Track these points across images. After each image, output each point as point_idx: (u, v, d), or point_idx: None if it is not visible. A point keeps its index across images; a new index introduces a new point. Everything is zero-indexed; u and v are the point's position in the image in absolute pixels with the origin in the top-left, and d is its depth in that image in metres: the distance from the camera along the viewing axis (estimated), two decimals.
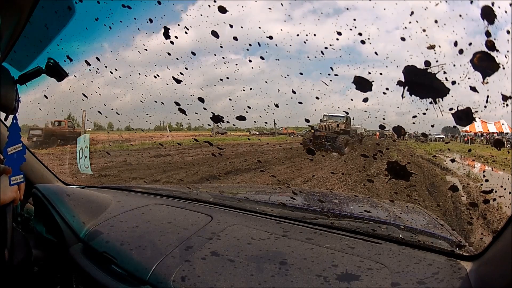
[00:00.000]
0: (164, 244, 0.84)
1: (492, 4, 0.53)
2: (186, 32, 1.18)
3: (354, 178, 5.08)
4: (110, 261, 0.85)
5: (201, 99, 0.97)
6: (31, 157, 1.35)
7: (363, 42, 0.87)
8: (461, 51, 0.59)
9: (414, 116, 0.75)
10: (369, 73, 0.70)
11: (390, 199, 1.64)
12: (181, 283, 0.69)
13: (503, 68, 0.52)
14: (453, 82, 0.58)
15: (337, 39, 1.02)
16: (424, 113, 0.68)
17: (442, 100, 0.57)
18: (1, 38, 0.93)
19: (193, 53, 1.17)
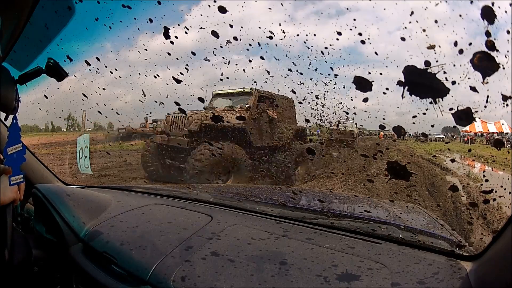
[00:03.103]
0: (164, 244, 0.84)
1: (492, 4, 0.53)
2: (186, 32, 1.18)
3: (354, 178, 5.07)
4: (110, 261, 0.85)
5: (201, 99, 0.97)
6: (31, 157, 1.35)
7: (363, 42, 0.87)
8: (461, 51, 0.59)
9: (414, 116, 0.75)
10: (369, 73, 0.70)
11: (390, 199, 1.64)
12: (181, 283, 0.69)
13: (503, 68, 0.53)
14: (453, 82, 0.58)
15: (337, 39, 1.02)
16: (424, 113, 0.69)
17: (442, 100, 0.57)
18: (1, 38, 0.93)
19: (193, 53, 1.18)
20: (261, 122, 4.35)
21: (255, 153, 4.22)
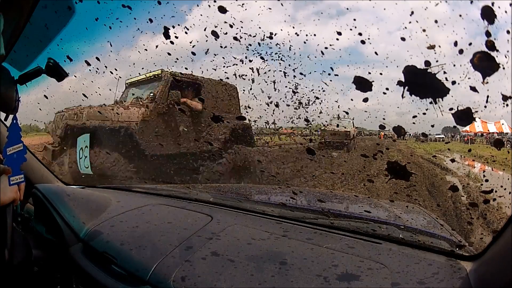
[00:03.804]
0: (164, 244, 0.84)
1: (492, 4, 0.53)
2: (186, 32, 1.18)
3: (354, 178, 5.06)
4: (110, 261, 0.85)
5: (201, 99, 0.97)
6: (31, 157, 1.35)
7: (363, 42, 0.88)
8: (461, 51, 0.59)
9: (414, 116, 0.75)
10: (369, 73, 0.70)
11: (390, 199, 1.64)
12: (181, 283, 0.69)
13: (503, 68, 0.53)
14: (453, 82, 0.58)
15: (337, 39, 1.02)
16: (424, 113, 0.69)
17: (442, 100, 0.57)
18: (1, 38, 0.93)
19: (193, 53, 1.18)
20: (175, 118, 2.86)
21: (157, 163, 2.83)
